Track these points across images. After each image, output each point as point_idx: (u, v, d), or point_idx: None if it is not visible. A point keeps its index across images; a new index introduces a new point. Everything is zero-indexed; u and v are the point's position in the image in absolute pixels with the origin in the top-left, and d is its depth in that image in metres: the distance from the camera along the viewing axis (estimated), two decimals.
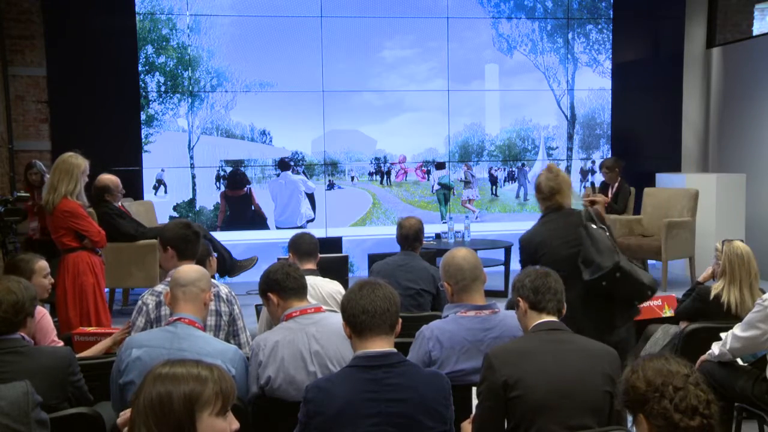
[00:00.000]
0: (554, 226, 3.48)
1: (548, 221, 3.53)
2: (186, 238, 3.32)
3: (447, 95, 7.98)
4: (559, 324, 2.46)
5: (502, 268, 6.58)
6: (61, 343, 3.33)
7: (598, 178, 7.76)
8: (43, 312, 3.35)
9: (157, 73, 7.44)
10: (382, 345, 2.25)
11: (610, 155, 8.11)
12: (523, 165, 8.27)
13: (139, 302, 3.16)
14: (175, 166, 7.51)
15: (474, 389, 2.52)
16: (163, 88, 7.47)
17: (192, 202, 7.57)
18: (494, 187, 8.24)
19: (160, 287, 3.19)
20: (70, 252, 4.37)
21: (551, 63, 8.15)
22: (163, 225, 5.89)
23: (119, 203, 5.63)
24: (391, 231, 4.64)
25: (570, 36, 8.15)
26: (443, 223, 7.71)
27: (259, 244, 7.37)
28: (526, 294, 2.50)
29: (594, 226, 3.31)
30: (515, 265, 4.32)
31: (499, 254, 6.90)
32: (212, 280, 3.24)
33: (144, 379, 1.64)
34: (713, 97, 8.42)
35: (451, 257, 2.93)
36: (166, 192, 7.53)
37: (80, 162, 4.38)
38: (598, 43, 8.22)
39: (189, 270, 2.79)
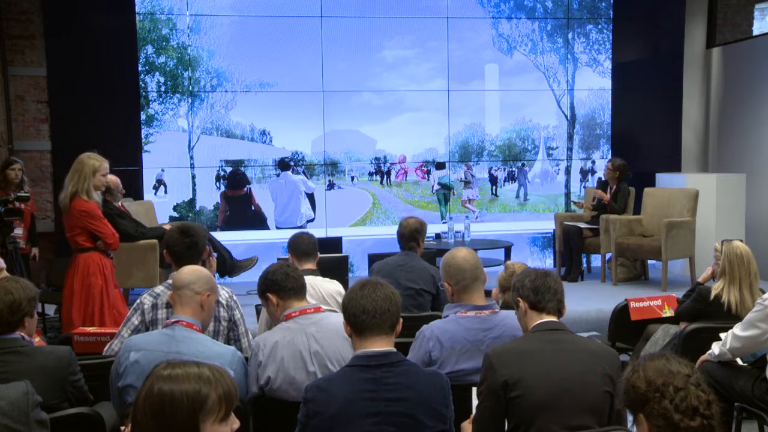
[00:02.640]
0: None
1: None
2: (183, 245, 3.27)
3: (447, 95, 7.98)
4: (559, 324, 2.46)
5: (502, 268, 6.56)
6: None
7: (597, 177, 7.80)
8: None
9: (157, 73, 7.44)
10: (382, 345, 2.25)
11: (610, 155, 8.11)
12: (523, 165, 8.27)
13: (138, 300, 3.16)
14: (175, 166, 7.51)
15: (474, 389, 2.52)
16: (163, 88, 7.47)
17: (192, 202, 7.57)
18: (494, 187, 8.24)
19: (159, 288, 3.18)
20: (82, 252, 4.38)
21: (551, 63, 8.14)
22: (160, 227, 5.90)
23: (119, 203, 5.62)
24: (391, 231, 4.65)
25: (570, 36, 8.15)
26: (443, 223, 7.70)
27: (259, 244, 7.37)
28: (526, 294, 2.49)
29: None
30: None
31: (499, 254, 6.90)
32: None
33: (145, 381, 1.63)
34: (713, 97, 8.42)
35: (451, 257, 2.93)
36: (166, 192, 7.53)
37: (92, 161, 4.42)
38: (598, 43, 8.22)
39: (186, 272, 2.78)
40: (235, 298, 3.26)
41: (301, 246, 3.87)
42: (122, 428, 1.92)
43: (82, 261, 4.36)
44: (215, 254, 4.21)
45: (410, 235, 4.29)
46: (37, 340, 3.07)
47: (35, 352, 2.67)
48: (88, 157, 4.42)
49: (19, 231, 5.80)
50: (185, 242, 3.27)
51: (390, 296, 2.31)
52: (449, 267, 2.91)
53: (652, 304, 4.45)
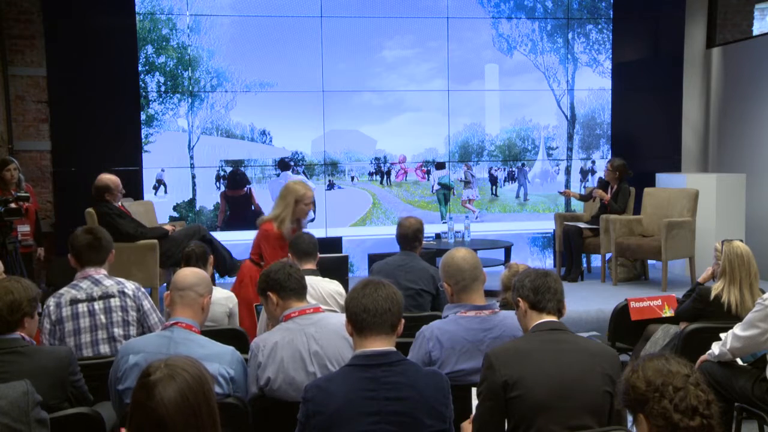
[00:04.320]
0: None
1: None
2: (87, 243, 3.36)
3: (447, 95, 7.98)
4: (559, 324, 2.46)
5: (502, 268, 6.58)
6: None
7: (597, 176, 7.80)
8: None
9: (157, 73, 7.44)
10: (382, 344, 2.25)
11: (610, 155, 8.11)
12: (523, 165, 8.27)
13: (45, 305, 3.25)
14: (175, 166, 7.51)
15: (474, 389, 2.52)
16: (163, 88, 7.47)
17: (192, 202, 7.57)
18: (494, 187, 8.24)
19: (63, 290, 3.28)
20: (252, 263, 4.58)
21: (551, 63, 8.15)
22: (161, 227, 5.93)
23: (119, 203, 5.63)
24: (391, 231, 4.63)
25: (570, 36, 8.15)
26: (443, 223, 7.71)
27: None
28: (526, 294, 2.49)
29: None
30: None
31: (499, 254, 6.90)
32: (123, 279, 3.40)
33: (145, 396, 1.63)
34: (713, 97, 8.42)
35: (450, 258, 2.93)
36: (166, 192, 7.53)
37: (297, 187, 4.55)
38: (598, 43, 8.22)
39: (188, 274, 2.79)
40: (143, 290, 3.40)
41: (302, 246, 3.88)
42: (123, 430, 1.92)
43: (246, 269, 4.58)
44: (212, 255, 4.23)
45: (413, 235, 4.30)
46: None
47: (35, 352, 2.66)
48: (294, 183, 4.59)
49: (25, 228, 5.79)
50: (87, 239, 3.36)
51: (392, 296, 2.31)
52: (448, 267, 2.91)
53: (652, 304, 4.46)
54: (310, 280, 3.21)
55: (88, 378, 2.83)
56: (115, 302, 3.26)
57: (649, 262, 7.12)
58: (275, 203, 4.67)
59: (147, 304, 3.35)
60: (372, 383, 2.17)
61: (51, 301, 3.24)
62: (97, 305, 3.24)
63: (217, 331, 3.54)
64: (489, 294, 2.99)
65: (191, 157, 7.55)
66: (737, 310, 3.71)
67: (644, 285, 6.73)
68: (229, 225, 7.66)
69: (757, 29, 8.68)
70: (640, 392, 1.70)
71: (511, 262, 4.00)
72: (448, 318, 2.86)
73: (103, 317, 3.23)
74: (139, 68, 7.34)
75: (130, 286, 3.33)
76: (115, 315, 3.25)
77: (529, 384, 2.26)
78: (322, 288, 3.60)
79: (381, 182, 8.04)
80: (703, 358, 3.48)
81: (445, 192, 8.11)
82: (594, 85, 8.22)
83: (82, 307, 3.23)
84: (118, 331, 3.22)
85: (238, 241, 7.25)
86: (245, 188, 7.72)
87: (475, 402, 2.46)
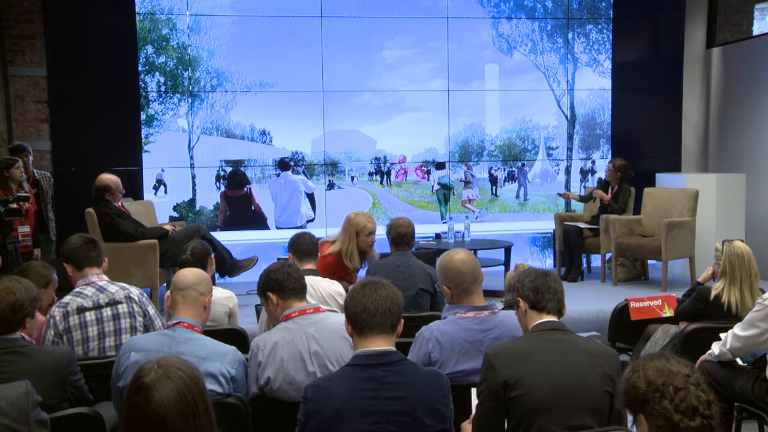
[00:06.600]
0: None
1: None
2: (82, 243, 3.34)
3: (447, 95, 7.98)
4: (559, 324, 2.46)
5: (502, 268, 6.58)
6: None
7: (597, 177, 7.80)
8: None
9: (157, 73, 7.44)
10: (382, 344, 2.25)
11: (610, 155, 8.11)
12: (523, 165, 8.26)
13: (48, 314, 3.19)
14: (175, 166, 7.51)
15: (474, 389, 2.52)
16: (163, 88, 7.47)
17: (192, 202, 7.57)
18: (494, 187, 8.24)
19: (67, 298, 3.23)
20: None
21: (551, 63, 8.14)
22: (161, 227, 5.91)
23: (119, 203, 5.62)
24: None
25: (570, 36, 8.15)
26: (443, 223, 7.70)
27: (259, 244, 7.37)
28: (526, 294, 2.49)
29: None
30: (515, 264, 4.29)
31: (499, 254, 6.89)
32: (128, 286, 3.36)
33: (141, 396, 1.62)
34: (713, 97, 8.42)
35: (448, 261, 2.91)
36: (166, 192, 7.53)
37: (359, 219, 4.50)
38: (598, 43, 8.22)
39: (188, 273, 2.79)
40: (146, 295, 3.38)
41: (302, 246, 3.88)
42: None
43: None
44: (213, 254, 4.21)
45: (412, 233, 4.32)
46: None
47: (35, 352, 2.66)
48: (355, 215, 4.53)
49: (25, 229, 5.78)
50: (82, 240, 3.34)
51: (391, 296, 2.31)
52: (447, 271, 2.89)
53: (652, 304, 4.46)
54: (310, 280, 3.21)
55: (89, 378, 2.83)
56: (123, 308, 3.24)
57: (649, 262, 7.12)
58: (339, 233, 4.54)
59: (152, 309, 3.33)
60: (372, 383, 2.17)
61: (56, 311, 3.17)
62: (105, 313, 3.21)
63: (217, 330, 3.54)
64: (489, 294, 2.99)
65: (191, 157, 7.55)
66: (737, 310, 3.72)
67: (644, 285, 6.73)
68: (229, 225, 7.66)
69: (757, 29, 8.68)
70: (641, 392, 1.70)
71: (519, 262, 4.00)
72: (447, 319, 2.85)
73: (111, 325, 3.21)
74: (139, 68, 7.33)
75: (135, 291, 3.32)
76: (123, 321, 3.22)
77: (529, 384, 2.26)
78: (322, 288, 3.61)
79: (381, 182, 8.04)
80: (703, 358, 3.48)
81: (445, 192, 8.11)
82: (594, 85, 8.22)
83: (90, 315, 3.19)
84: (126, 338, 3.17)
85: (238, 241, 7.26)
86: (245, 188, 7.72)
87: (475, 402, 2.46)
